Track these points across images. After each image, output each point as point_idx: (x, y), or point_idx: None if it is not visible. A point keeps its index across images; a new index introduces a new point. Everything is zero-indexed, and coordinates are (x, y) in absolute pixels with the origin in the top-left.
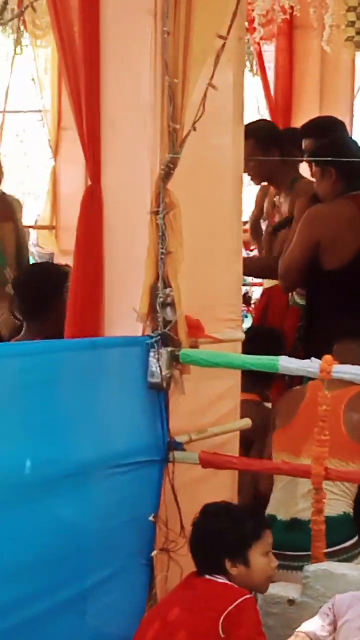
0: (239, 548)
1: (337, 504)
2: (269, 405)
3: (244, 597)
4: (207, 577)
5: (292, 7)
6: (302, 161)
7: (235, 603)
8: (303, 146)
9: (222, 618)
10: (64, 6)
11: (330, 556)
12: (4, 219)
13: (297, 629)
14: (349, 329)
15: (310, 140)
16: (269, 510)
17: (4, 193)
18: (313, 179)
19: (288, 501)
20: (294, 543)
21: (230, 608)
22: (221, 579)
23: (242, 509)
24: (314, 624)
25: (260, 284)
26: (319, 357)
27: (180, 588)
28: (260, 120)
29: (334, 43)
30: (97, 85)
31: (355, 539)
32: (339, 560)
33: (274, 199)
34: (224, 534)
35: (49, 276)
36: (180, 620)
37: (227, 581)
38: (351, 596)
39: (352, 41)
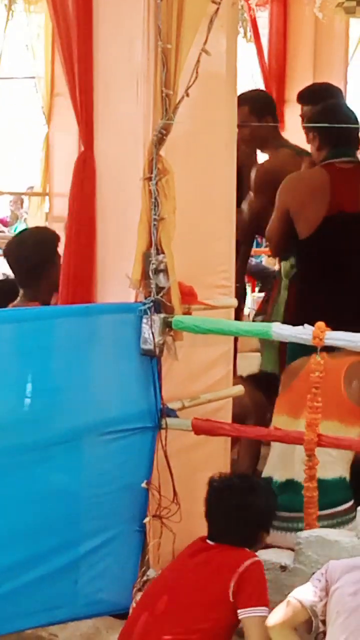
0: (271, 522)
1: (334, 467)
2: None
3: (252, 560)
4: (219, 542)
5: None
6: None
7: (244, 565)
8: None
9: (232, 582)
10: None
11: (324, 519)
12: None
13: (290, 594)
14: (315, 305)
15: (306, 106)
16: (266, 472)
17: None
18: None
19: (285, 463)
20: (289, 504)
21: (239, 570)
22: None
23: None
24: (307, 589)
25: None
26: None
27: (189, 554)
28: (255, 89)
29: (327, 9)
30: (90, 51)
31: (350, 503)
32: (333, 524)
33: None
34: (269, 510)
35: (40, 242)
36: (192, 587)
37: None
38: (345, 563)
39: (342, 7)
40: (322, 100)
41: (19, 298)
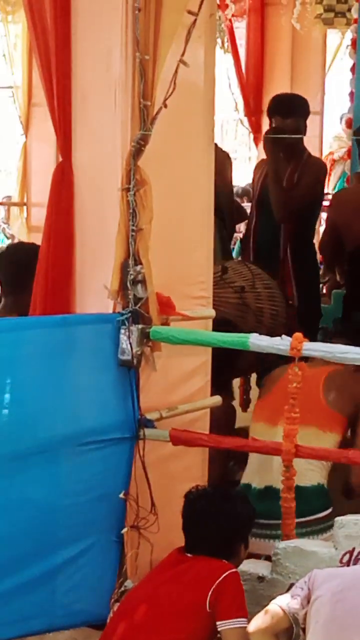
0: (249, 533)
1: (312, 474)
2: None
3: (229, 571)
4: (196, 554)
5: None
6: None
7: (222, 577)
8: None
9: (209, 593)
10: None
11: (303, 526)
12: None
13: (272, 602)
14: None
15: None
16: (244, 479)
17: None
18: None
19: (263, 470)
20: (267, 511)
21: (217, 582)
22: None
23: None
24: (289, 597)
25: None
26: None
27: (167, 565)
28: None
29: (305, 20)
30: (68, 61)
31: (329, 510)
32: (311, 531)
33: None
34: (246, 520)
35: (24, 254)
36: (169, 598)
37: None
38: (327, 572)
39: (320, 18)
40: (293, 112)
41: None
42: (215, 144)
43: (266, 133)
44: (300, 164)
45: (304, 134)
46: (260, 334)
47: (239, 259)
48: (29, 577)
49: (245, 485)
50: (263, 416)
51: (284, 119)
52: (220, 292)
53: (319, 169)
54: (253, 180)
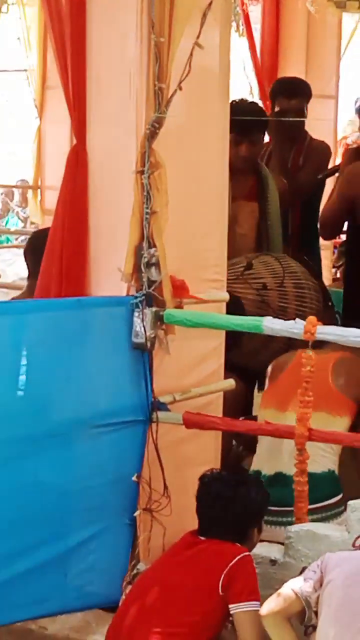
0: (262, 518)
1: (323, 460)
2: None
3: (242, 555)
4: (210, 537)
5: None
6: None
7: (235, 560)
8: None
9: (222, 576)
10: None
11: (314, 513)
12: None
13: (284, 585)
14: None
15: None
16: (254, 466)
17: None
18: None
19: (273, 456)
20: (278, 498)
21: (230, 565)
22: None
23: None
24: (301, 580)
25: None
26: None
27: (180, 548)
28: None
29: (319, 4)
30: (83, 44)
31: (340, 496)
32: (322, 517)
33: None
34: (260, 505)
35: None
36: (182, 581)
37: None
38: (340, 556)
39: (332, 1)
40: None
41: (24, 290)
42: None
43: (271, 116)
44: (304, 147)
45: (306, 117)
46: None
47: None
48: (42, 559)
49: (255, 472)
50: (272, 402)
51: (289, 100)
52: (239, 287)
53: (324, 153)
54: None
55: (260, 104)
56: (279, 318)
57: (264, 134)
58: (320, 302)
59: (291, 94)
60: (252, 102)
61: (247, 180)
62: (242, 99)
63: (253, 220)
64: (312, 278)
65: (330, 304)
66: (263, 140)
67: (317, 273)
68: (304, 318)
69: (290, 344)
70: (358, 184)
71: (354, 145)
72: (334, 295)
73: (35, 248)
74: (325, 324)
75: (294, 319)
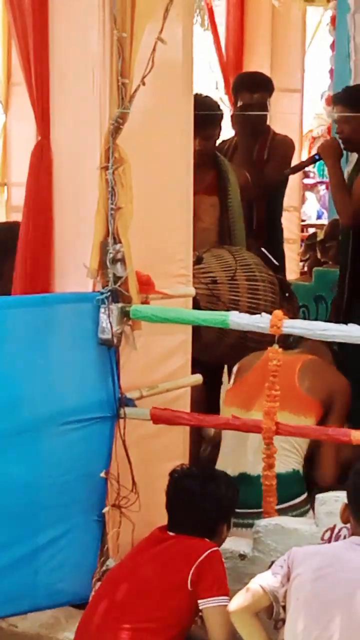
0: (232, 514)
1: (288, 460)
2: None
3: (211, 549)
4: (179, 533)
5: None
6: None
7: (204, 555)
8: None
9: (191, 571)
10: None
11: (279, 512)
12: None
13: (252, 580)
14: None
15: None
16: (218, 466)
17: None
18: None
19: (237, 456)
20: (243, 499)
21: (198, 560)
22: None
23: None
24: (269, 575)
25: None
26: None
27: (149, 544)
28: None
29: None
30: (46, 41)
31: (304, 495)
32: (289, 517)
33: None
34: (229, 501)
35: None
36: (151, 576)
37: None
38: (307, 550)
39: None
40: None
41: None
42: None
43: (234, 110)
44: (268, 141)
45: (268, 111)
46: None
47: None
48: (11, 558)
49: None
50: (236, 401)
51: (251, 94)
52: None
53: (287, 147)
54: None
55: (226, 98)
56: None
57: (219, 128)
58: (276, 294)
59: (252, 88)
60: (206, 96)
61: (206, 174)
62: (196, 94)
63: (214, 214)
64: (267, 270)
65: (287, 295)
66: (218, 134)
67: (275, 265)
68: (257, 311)
69: (245, 338)
70: None
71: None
72: (300, 288)
73: None
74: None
75: (247, 312)
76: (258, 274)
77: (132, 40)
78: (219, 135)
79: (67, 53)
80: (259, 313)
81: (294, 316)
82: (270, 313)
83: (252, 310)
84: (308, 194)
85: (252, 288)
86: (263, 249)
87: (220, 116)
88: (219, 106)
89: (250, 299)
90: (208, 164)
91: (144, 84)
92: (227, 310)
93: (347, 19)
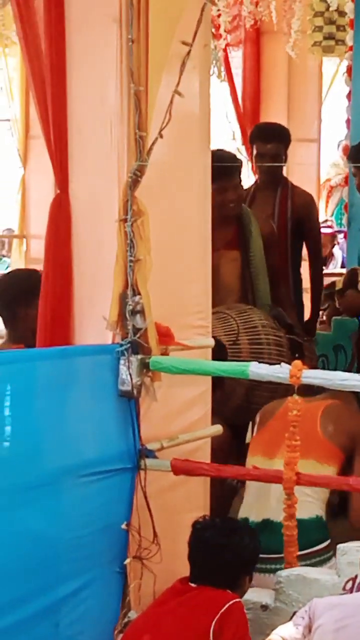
0: (254, 565)
1: (310, 506)
2: None
3: (233, 601)
4: (200, 584)
5: (259, 13)
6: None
7: (226, 606)
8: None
9: (213, 623)
10: (30, 15)
11: (302, 559)
12: None
13: (273, 632)
14: None
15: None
16: (242, 513)
17: None
18: None
19: (260, 503)
20: (266, 545)
21: (221, 611)
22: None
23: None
24: (290, 626)
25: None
26: None
27: (170, 595)
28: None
29: (300, 49)
30: (64, 94)
31: (327, 542)
32: (310, 563)
33: None
34: (251, 553)
35: (18, 283)
36: (173, 628)
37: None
38: (328, 601)
39: (319, 46)
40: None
41: (3, 339)
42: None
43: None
44: (288, 193)
45: (285, 162)
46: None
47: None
48: (32, 611)
49: (242, 519)
50: (259, 450)
51: (265, 145)
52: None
53: (309, 204)
54: None
55: (243, 149)
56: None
57: (238, 179)
58: (283, 356)
59: (266, 138)
60: (220, 150)
61: (226, 229)
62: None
63: (236, 269)
64: (275, 332)
65: (297, 355)
66: (236, 187)
67: (289, 324)
68: None
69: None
70: None
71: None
72: (320, 337)
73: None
74: None
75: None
76: (264, 336)
77: (148, 93)
78: (238, 187)
79: (84, 106)
80: None
81: None
82: None
83: None
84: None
85: (255, 351)
86: (280, 309)
87: (237, 168)
88: (235, 157)
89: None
90: (229, 217)
91: (161, 136)
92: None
93: None
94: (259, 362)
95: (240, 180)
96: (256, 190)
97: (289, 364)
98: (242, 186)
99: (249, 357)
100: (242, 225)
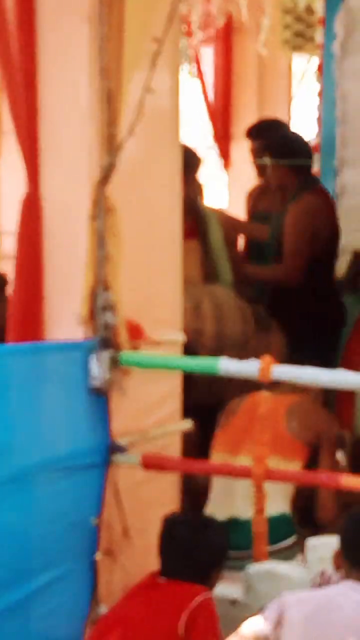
0: (224, 560)
1: (275, 503)
2: None
3: (204, 596)
4: (171, 579)
5: (229, 11)
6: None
7: (196, 601)
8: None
9: (183, 617)
10: (1, 13)
11: (270, 556)
12: None
13: (242, 625)
14: None
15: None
16: (208, 511)
17: None
18: None
19: (226, 501)
20: (234, 542)
21: (191, 605)
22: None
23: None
24: (259, 621)
25: None
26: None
27: (141, 590)
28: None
29: (270, 46)
30: (35, 91)
31: (294, 537)
32: (278, 560)
33: None
34: (221, 548)
35: None
36: (143, 622)
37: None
38: (298, 595)
39: (289, 44)
40: (270, 134)
41: None
42: None
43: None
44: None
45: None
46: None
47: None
48: (3, 605)
49: None
50: (223, 447)
51: (252, 141)
52: None
53: None
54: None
55: (215, 145)
56: (196, 340)
57: (193, 175)
58: (247, 322)
59: (249, 134)
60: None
61: (184, 220)
62: None
63: (194, 258)
64: (237, 299)
65: (264, 326)
66: (191, 181)
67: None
68: (223, 339)
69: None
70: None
71: None
72: None
73: None
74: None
75: (214, 339)
76: (226, 302)
77: (120, 90)
78: (193, 182)
79: (55, 103)
80: (227, 341)
81: (277, 349)
82: (241, 342)
83: (219, 338)
84: None
85: (218, 316)
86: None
87: (195, 163)
88: (196, 154)
89: (217, 326)
90: (186, 210)
91: (132, 133)
92: (193, 340)
93: (333, 67)
94: (223, 325)
95: (196, 177)
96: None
97: (260, 332)
98: (196, 182)
99: (213, 320)
100: (199, 216)
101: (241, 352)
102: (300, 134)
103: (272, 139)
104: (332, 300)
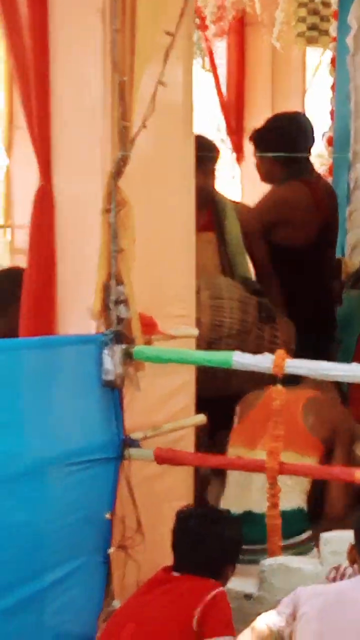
0: (237, 554)
1: (291, 497)
2: None
3: (217, 590)
4: (184, 573)
5: (243, 4)
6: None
7: (209, 595)
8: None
9: (196, 611)
10: (13, 6)
11: (284, 550)
12: None
13: (257, 619)
14: None
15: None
16: (223, 505)
17: None
18: None
19: (242, 494)
20: (248, 536)
21: (205, 600)
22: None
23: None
24: (274, 614)
25: None
26: None
27: (154, 584)
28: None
29: (284, 39)
30: (47, 84)
31: (309, 532)
32: (292, 554)
33: None
34: (235, 542)
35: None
36: (156, 616)
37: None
38: (312, 589)
39: (303, 37)
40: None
41: None
42: None
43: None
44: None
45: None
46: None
47: None
48: (16, 600)
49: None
50: (240, 440)
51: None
52: None
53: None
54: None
55: (228, 139)
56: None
57: (211, 168)
58: (248, 312)
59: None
60: (199, 135)
61: (200, 212)
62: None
63: (210, 251)
64: (240, 290)
65: (268, 317)
66: (208, 173)
67: (257, 290)
68: (221, 329)
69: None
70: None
71: None
72: None
73: None
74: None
75: (210, 329)
76: (225, 292)
77: (133, 84)
78: (210, 174)
79: (68, 97)
80: (226, 330)
81: (285, 341)
82: (241, 331)
83: (217, 327)
84: None
85: (215, 305)
86: (251, 279)
87: (213, 156)
88: (214, 146)
89: (214, 316)
90: (201, 202)
91: (145, 126)
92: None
93: (346, 60)
94: (221, 316)
95: (214, 169)
96: None
97: (262, 324)
98: (214, 174)
99: (209, 310)
100: (217, 208)
101: (241, 343)
102: (292, 122)
103: (256, 132)
104: (321, 291)
